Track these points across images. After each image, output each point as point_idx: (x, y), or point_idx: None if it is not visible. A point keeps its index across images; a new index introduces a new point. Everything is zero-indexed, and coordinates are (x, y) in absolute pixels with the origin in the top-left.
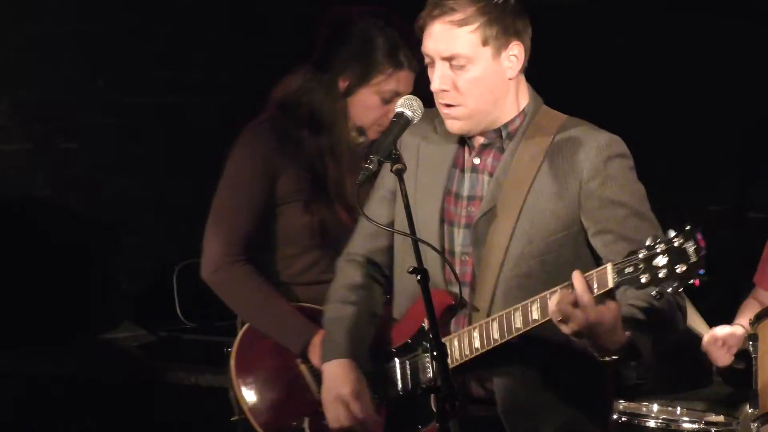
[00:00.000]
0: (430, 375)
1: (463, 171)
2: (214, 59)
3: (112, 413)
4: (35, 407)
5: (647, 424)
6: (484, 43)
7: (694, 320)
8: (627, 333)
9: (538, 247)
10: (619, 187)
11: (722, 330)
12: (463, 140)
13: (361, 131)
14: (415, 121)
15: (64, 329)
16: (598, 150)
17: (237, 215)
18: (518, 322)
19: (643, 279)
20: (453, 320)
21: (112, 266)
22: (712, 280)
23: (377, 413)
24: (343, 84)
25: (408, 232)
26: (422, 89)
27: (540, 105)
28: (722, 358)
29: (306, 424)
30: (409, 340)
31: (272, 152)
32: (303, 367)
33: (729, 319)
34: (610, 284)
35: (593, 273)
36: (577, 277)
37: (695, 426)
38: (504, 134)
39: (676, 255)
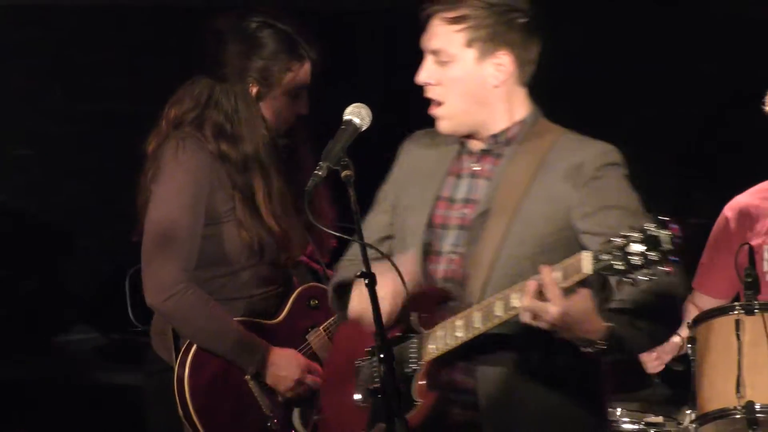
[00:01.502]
0: (415, 366)
1: (459, 177)
2: (168, 67)
3: (59, 416)
4: None
5: None
6: (468, 44)
7: None
8: (606, 323)
9: (530, 249)
10: (611, 192)
11: None
12: (462, 148)
13: (277, 133)
14: (363, 128)
15: (18, 333)
16: (592, 158)
17: (185, 238)
18: (499, 310)
19: (618, 265)
20: (440, 315)
21: (66, 270)
22: None
23: (365, 404)
24: (253, 89)
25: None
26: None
27: (539, 117)
28: (652, 364)
29: None
30: (399, 333)
31: (206, 171)
32: (252, 384)
33: None
34: (586, 270)
35: (570, 260)
36: (544, 270)
37: (635, 426)
38: (502, 141)
39: (650, 242)
